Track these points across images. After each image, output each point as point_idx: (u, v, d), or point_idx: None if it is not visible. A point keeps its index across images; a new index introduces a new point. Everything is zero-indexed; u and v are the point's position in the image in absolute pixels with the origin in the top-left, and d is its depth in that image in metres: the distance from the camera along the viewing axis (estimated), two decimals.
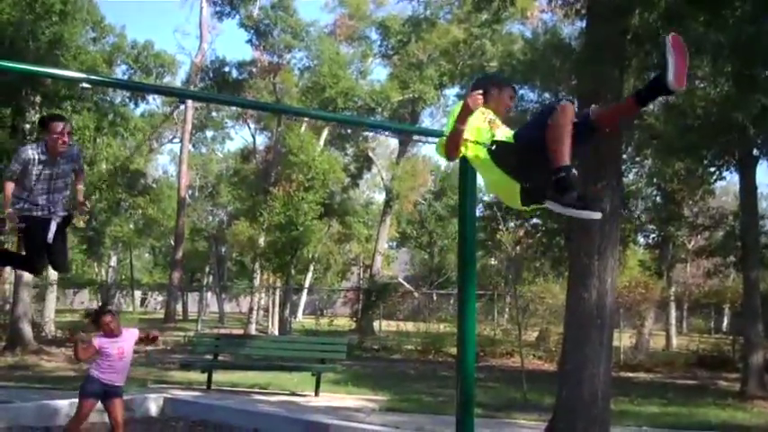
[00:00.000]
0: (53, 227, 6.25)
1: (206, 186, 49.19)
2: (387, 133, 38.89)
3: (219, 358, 14.78)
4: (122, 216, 37.77)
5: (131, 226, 42.56)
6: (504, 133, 4.50)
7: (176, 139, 43.81)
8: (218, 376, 14.09)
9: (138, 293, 47.61)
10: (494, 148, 4.38)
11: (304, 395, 13.21)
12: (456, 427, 5.56)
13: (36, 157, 6.14)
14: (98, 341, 7.11)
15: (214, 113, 42.99)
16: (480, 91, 4.42)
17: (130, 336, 7.30)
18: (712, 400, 14.68)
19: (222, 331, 28.60)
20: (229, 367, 15.41)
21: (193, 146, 43.63)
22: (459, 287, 5.56)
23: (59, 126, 6.23)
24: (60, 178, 6.34)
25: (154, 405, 9.76)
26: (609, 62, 8.71)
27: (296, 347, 15.72)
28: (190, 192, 40.96)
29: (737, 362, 20.60)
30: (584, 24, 11.09)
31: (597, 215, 4.20)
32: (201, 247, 48.77)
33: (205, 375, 13.61)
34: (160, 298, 53.09)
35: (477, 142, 4.44)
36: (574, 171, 4.09)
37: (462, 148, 4.49)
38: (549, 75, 17.99)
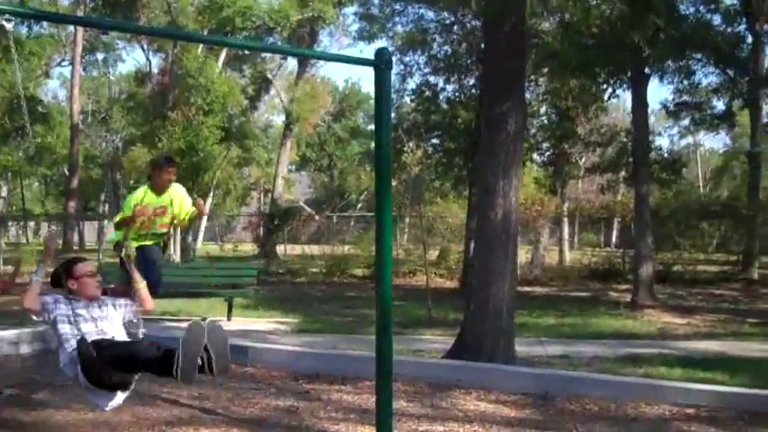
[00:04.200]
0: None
1: (99, 111, 47.55)
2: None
3: None
4: (11, 144, 36.35)
5: (20, 154, 41.01)
6: None
7: (65, 62, 42.10)
8: None
9: (30, 224, 46.21)
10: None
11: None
12: (376, 341, 5.78)
13: None
14: None
15: (103, 36, 41.41)
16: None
17: None
18: (605, 311, 15.48)
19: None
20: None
21: (84, 69, 42.00)
22: (377, 208, 5.70)
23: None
24: None
25: None
26: None
27: (206, 273, 15.69)
28: (82, 117, 39.57)
29: (627, 273, 21.70)
30: None
31: None
32: (96, 175, 47.43)
33: None
34: (54, 228, 51.76)
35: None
36: None
37: None
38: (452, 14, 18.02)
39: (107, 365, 4.49)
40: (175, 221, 7.20)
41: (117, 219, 6.98)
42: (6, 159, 38.36)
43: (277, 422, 6.40)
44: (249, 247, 32.12)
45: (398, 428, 5.96)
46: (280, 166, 37.57)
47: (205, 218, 41.75)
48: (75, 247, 36.83)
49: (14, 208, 49.50)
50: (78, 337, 4.62)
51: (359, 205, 50.35)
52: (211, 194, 39.41)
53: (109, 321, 4.93)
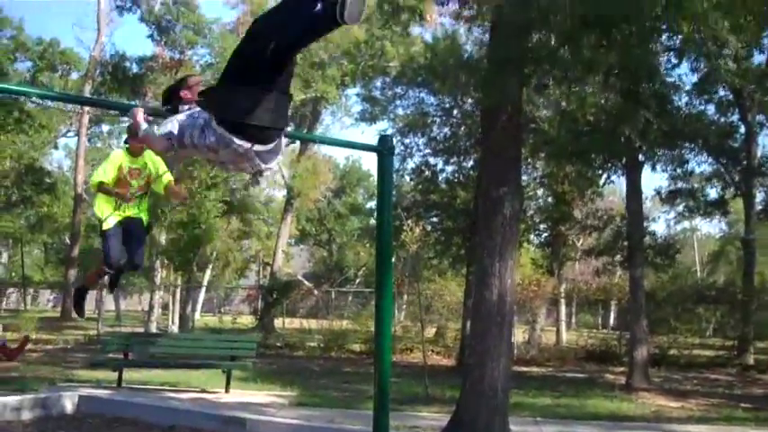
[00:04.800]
0: None
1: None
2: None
3: (130, 357, 14.80)
4: (13, 212, 36.74)
5: (22, 222, 41.35)
6: None
7: (71, 133, 42.81)
8: (128, 374, 14.13)
9: (29, 291, 46.29)
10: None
11: (215, 392, 13.43)
12: (374, 417, 6.01)
13: None
14: None
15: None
16: None
17: None
18: (600, 392, 15.58)
19: (122, 330, 28.31)
20: (140, 365, 15.24)
21: (89, 140, 42.67)
22: (377, 285, 6.00)
23: None
24: None
25: (69, 403, 9.90)
26: (510, 78, 9.35)
27: (206, 345, 15.86)
28: (85, 187, 40.03)
29: (623, 356, 21.79)
30: (481, 32, 11.71)
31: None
32: (96, 244, 47.58)
33: (114, 374, 13.68)
34: (52, 296, 51.71)
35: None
36: None
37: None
38: (453, 85, 18.63)
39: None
40: (152, 185, 7.26)
41: (95, 180, 7.07)
42: (8, 226, 38.71)
43: None
44: (247, 320, 32.19)
45: None
46: (280, 239, 37.86)
47: (203, 290, 41.92)
48: (73, 315, 36.84)
49: (14, 275, 49.61)
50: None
51: (357, 280, 50.48)
52: (211, 266, 39.67)
53: None
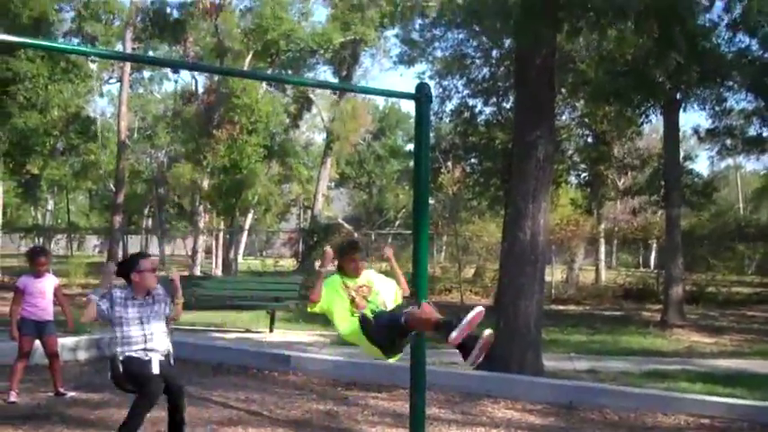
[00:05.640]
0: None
1: (144, 128, 48.72)
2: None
3: None
4: (59, 160, 37.50)
5: (67, 169, 42.16)
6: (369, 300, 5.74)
7: (113, 80, 43.30)
8: None
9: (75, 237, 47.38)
10: (361, 317, 5.61)
11: (259, 332, 13.96)
12: (411, 354, 6.37)
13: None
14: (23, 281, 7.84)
15: (150, 52, 42.46)
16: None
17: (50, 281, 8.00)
18: (635, 329, 15.88)
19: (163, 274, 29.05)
20: (188, 307, 15.74)
21: (131, 86, 43.15)
22: (415, 227, 6.28)
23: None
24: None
25: None
26: (542, 23, 9.44)
27: (250, 287, 16.39)
28: (128, 134, 40.68)
29: (660, 294, 21.97)
30: None
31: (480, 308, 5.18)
32: (140, 190, 48.48)
33: None
34: (99, 241, 52.95)
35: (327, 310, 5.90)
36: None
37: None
38: (491, 26, 18.57)
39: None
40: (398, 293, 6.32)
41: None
42: (54, 174, 39.54)
43: (318, 424, 6.98)
44: (289, 263, 32.80)
45: None
46: (320, 183, 38.32)
47: (245, 234, 42.65)
48: (119, 261, 37.80)
49: (60, 221, 50.80)
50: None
51: (397, 222, 50.91)
52: (252, 211, 40.25)
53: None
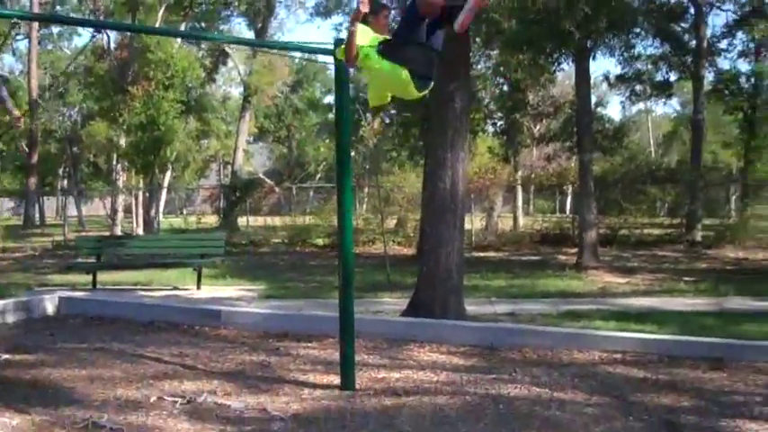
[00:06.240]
0: None
1: (54, 86, 47.21)
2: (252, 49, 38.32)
3: (102, 259, 15.28)
4: None
5: None
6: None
7: (20, 36, 41.91)
8: (101, 277, 14.62)
9: None
10: (381, 47, 5.27)
11: (186, 289, 14.04)
12: (339, 304, 6.65)
13: None
14: None
15: (59, 7, 41.16)
16: (385, 12, 5.47)
17: None
18: (552, 273, 16.52)
19: (84, 234, 28.70)
20: (113, 267, 15.76)
21: (39, 43, 41.84)
22: (338, 180, 6.50)
23: None
24: None
25: (50, 305, 10.41)
26: None
27: (175, 245, 16.42)
28: (39, 92, 39.48)
29: (576, 238, 22.74)
30: None
31: None
32: (54, 150, 47.15)
33: (87, 277, 14.21)
34: (11, 204, 51.49)
35: (370, 45, 5.30)
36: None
37: (357, 53, 5.29)
38: None
39: None
40: None
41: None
42: None
43: (252, 374, 7.21)
44: (211, 219, 32.67)
45: (360, 377, 6.84)
46: (239, 137, 38.02)
47: (164, 191, 42.05)
48: (36, 223, 37.01)
49: None
50: None
51: (318, 176, 50.96)
52: (171, 168, 39.70)
53: None
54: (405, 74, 5.18)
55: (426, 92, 5.45)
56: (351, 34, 5.20)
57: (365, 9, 5.18)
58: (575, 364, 7.71)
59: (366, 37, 5.34)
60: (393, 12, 5.81)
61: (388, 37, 5.35)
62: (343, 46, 5.40)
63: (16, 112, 33.60)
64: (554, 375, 7.18)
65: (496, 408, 6.08)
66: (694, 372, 7.35)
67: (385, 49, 5.25)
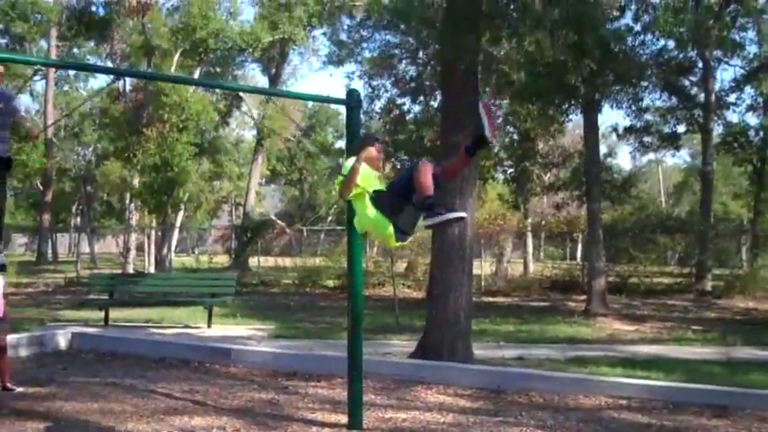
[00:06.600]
0: None
1: (70, 126, 47.89)
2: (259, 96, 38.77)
3: (114, 296, 15.45)
4: None
5: None
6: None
7: (38, 77, 42.63)
8: (113, 313, 14.77)
9: None
10: (374, 194, 5.45)
11: (197, 327, 14.19)
12: (348, 345, 6.80)
13: None
14: None
15: (76, 50, 41.87)
16: (378, 145, 5.69)
17: None
18: (561, 319, 16.59)
19: (97, 271, 28.93)
20: (126, 304, 15.97)
21: (56, 84, 42.50)
22: (348, 223, 6.68)
23: None
24: None
25: (63, 340, 10.56)
26: (465, 33, 9.93)
27: (187, 284, 16.58)
28: (54, 131, 40.01)
29: (585, 285, 22.81)
30: None
31: (463, 214, 5.34)
32: (68, 188, 47.67)
33: (99, 313, 14.39)
34: (24, 240, 51.90)
35: (365, 189, 5.46)
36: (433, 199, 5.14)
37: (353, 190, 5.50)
38: (416, 29, 19.02)
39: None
40: None
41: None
42: None
43: (261, 411, 7.32)
44: (222, 259, 32.87)
45: (367, 416, 6.95)
46: (251, 179, 38.38)
47: (177, 230, 42.38)
48: (49, 260, 37.29)
49: None
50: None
51: (329, 218, 51.24)
52: (183, 208, 40.05)
53: None
54: (390, 229, 5.38)
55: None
56: (354, 171, 5.35)
57: (379, 154, 5.56)
58: (580, 408, 7.79)
59: (366, 179, 5.52)
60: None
61: (383, 188, 5.54)
62: (341, 177, 5.57)
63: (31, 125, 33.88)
64: (559, 419, 7.26)
65: None
66: (698, 419, 7.41)
67: (377, 199, 5.43)
